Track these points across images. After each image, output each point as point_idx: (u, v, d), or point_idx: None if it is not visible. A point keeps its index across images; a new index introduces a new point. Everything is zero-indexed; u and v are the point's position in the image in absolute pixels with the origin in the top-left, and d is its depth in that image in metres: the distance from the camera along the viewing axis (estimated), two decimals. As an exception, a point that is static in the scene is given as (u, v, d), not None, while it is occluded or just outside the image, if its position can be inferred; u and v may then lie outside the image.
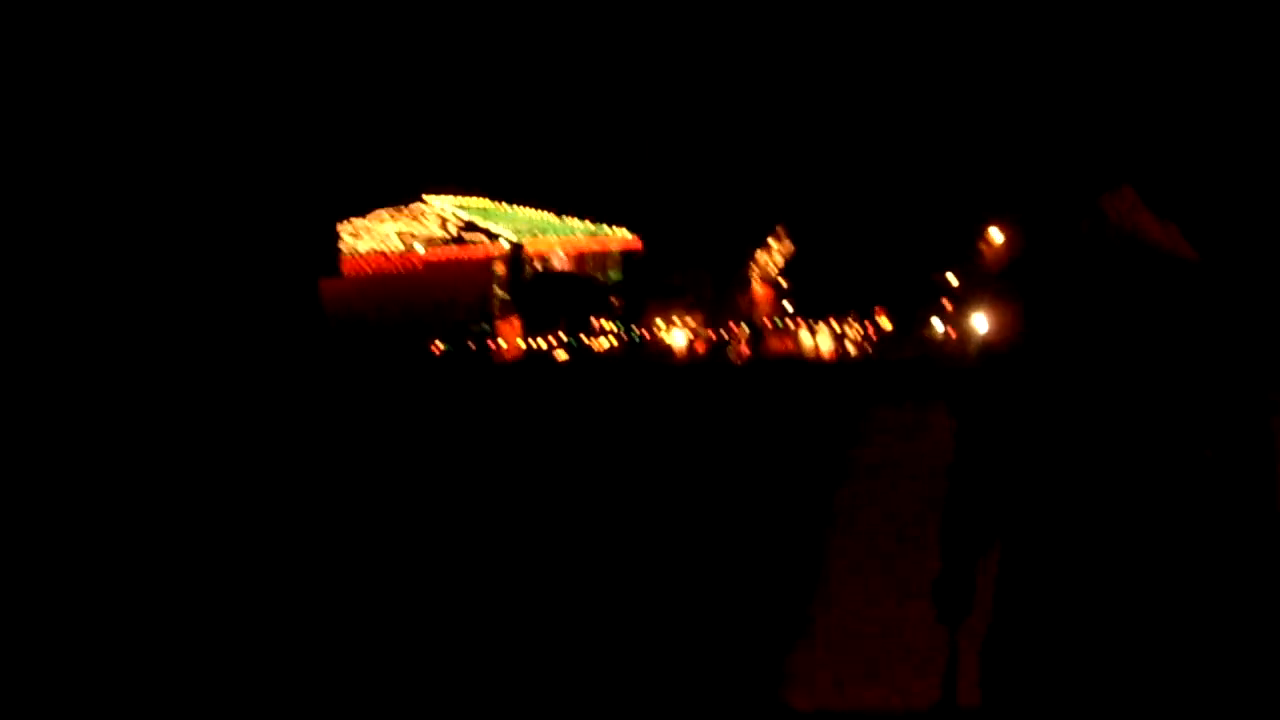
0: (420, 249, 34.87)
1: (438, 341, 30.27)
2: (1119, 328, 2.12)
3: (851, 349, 29.23)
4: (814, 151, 36.34)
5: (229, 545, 8.52)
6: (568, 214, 40.73)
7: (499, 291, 33.36)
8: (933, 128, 34.49)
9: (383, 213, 37.04)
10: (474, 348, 30.54)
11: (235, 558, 7.99)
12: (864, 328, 29.88)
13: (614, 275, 40.15)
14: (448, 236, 35.18)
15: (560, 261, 37.91)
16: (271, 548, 8.46)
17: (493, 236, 34.53)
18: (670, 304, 33.13)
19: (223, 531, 8.99)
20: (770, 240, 33.51)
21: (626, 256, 41.07)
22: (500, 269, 33.42)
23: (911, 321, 29.70)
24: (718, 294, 33.05)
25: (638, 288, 38.89)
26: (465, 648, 5.59)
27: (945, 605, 2.31)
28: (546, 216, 39.97)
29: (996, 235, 27.57)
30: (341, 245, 36.13)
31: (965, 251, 29.33)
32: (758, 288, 31.03)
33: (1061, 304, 2.15)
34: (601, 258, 39.99)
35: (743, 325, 29.71)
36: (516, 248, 33.43)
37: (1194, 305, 2.14)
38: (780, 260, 33.30)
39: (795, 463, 11.54)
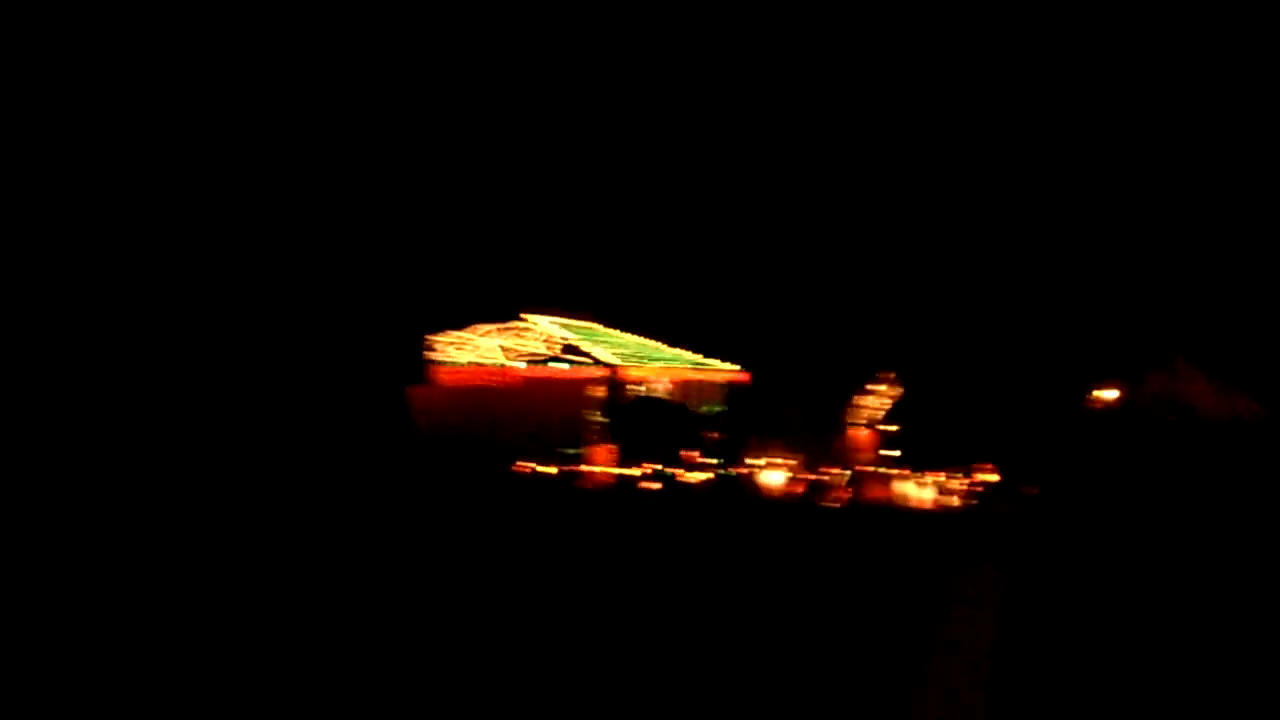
0: (521, 365, 34.21)
1: (525, 460, 29.56)
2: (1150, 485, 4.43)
3: (954, 501, 28.09)
4: (933, 303, 35.52)
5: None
6: (677, 343, 40.07)
7: (595, 415, 32.54)
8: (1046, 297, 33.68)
9: (484, 327, 36.56)
10: (560, 470, 29.78)
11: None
12: (968, 481, 28.71)
13: (716, 408, 39.22)
14: (549, 355, 34.52)
15: (663, 390, 37.10)
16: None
17: (593, 359, 33.81)
18: (771, 442, 32.15)
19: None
20: (878, 384, 32.46)
21: (731, 390, 40.18)
22: (598, 392, 32.62)
23: (1016, 479, 28.47)
24: (819, 436, 32.01)
25: (739, 423, 37.93)
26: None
27: None
28: (652, 344, 39.27)
29: (1102, 396, 26.65)
30: (440, 354, 35.64)
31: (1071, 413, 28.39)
32: (860, 432, 29.99)
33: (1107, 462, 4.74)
34: (706, 389, 39.13)
35: (842, 469, 28.71)
36: (614, 371, 32.65)
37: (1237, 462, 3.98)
38: (887, 404, 32.22)
39: (880, 612, 11.82)
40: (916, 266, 34.60)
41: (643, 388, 36.32)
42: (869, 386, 32.36)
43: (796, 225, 38.38)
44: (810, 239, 37.78)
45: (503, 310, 37.34)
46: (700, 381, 38.88)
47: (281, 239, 37.04)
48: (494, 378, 34.33)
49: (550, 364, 34.10)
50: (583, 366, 33.59)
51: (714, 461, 31.36)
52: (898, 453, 29.73)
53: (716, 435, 34.14)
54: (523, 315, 36.81)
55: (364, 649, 9.07)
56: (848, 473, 28.00)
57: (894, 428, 31.45)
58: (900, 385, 32.38)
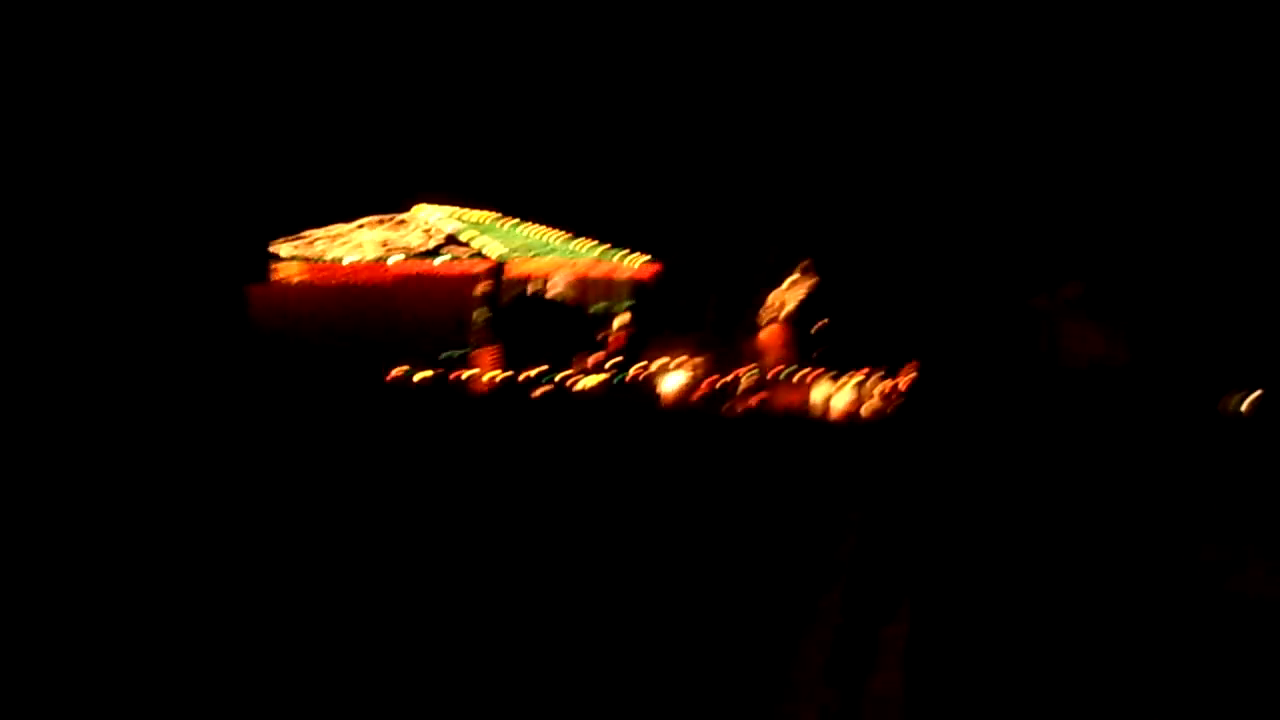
0: (393, 261, 30.68)
1: (397, 367, 26.18)
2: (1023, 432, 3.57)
3: (867, 409, 24.90)
4: (858, 184, 32.11)
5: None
6: (580, 235, 36.67)
7: (479, 315, 29.08)
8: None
9: (368, 219, 32.99)
10: (435, 376, 26.40)
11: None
12: (891, 385, 25.46)
13: (620, 306, 35.94)
14: (426, 249, 30.98)
15: (562, 286, 33.70)
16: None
17: (478, 253, 30.27)
18: (675, 341, 28.82)
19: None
20: (793, 275, 29.06)
21: (639, 285, 36.91)
22: (482, 289, 29.12)
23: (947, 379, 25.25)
24: (728, 334, 28.67)
25: (645, 321, 34.66)
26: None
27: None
28: (552, 236, 35.82)
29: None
30: (303, 251, 32.07)
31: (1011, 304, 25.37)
32: (770, 331, 26.65)
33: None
34: (610, 284, 35.81)
35: (750, 371, 25.39)
36: (499, 266, 29.16)
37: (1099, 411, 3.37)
38: (800, 295, 28.86)
39: (778, 531, 11.95)
40: (840, 139, 31.07)
41: (540, 284, 32.91)
42: (784, 277, 29.02)
43: (710, 96, 34.80)
44: (723, 110, 34.20)
45: (393, 202, 33.83)
46: (603, 277, 35.52)
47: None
48: (357, 275, 30.76)
49: (431, 258, 30.52)
50: (465, 261, 30.03)
51: (609, 364, 27.99)
52: (813, 352, 26.36)
53: (617, 335, 30.82)
54: (412, 206, 33.26)
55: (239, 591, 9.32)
56: (754, 375, 24.65)
57: (811, 323, 28.14)
58: (814, 274, 29.02)
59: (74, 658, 7.72)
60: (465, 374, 26.54)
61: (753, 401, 25.21)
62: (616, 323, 33.23)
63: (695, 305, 31.29)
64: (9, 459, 16.30)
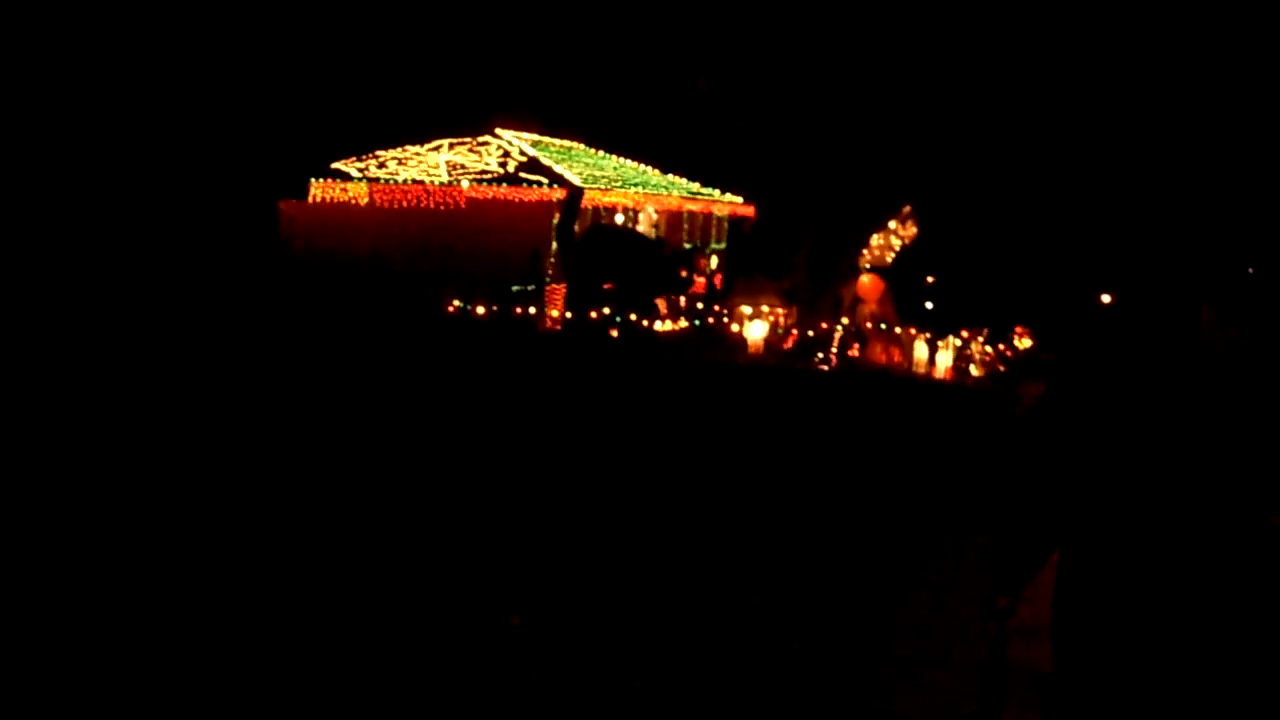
0: (465, 184, 28.53)
1: (456, 300, 24.08)
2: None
3: (975, 370, 22.51)
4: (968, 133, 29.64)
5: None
6: (674, 171, 34.40)
7: (552, 247, 26.93)
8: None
9: (443, 141, 30.83)
10: (498, 310, 24.28)
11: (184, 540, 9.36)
12: (996, 347, 23.06)
13: (713, 246, 33.68)
14: (502, 174, 28.80)
15: (647, 222, 31.45)
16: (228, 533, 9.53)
17: (554, 178, 28.04)
18: (766, 287, 26.54)
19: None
20: (892, 222, 26.66)
21: (733, 225, 34.63)
22: (556, 219, 26.92)
23: (1057, 345, 22.84)
24: (823, 281, 26.34)
25: (736, 264, 32.41)
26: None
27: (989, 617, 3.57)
28: (640, 167, 33.56)
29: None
30: (383, 173, 30.00)
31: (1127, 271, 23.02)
32: (865, 279, 24.22)
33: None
34: (702, 223, 33.55)
35: (840, 325, 23.01)
36: (576, 192, 26.93)
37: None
38: (899, 247, 26.47)
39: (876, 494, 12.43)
40: (953, 82, 28.57)
41: (628, 216, 30.69)
42: (884, 225, 26.63)
43: (811, 33, 32.33)
44: (829, 46, 31.74)
45: (474, 122, 31.66)
46: (695, 214, 33.23)
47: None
48: (425, 198, 28.64)
49: (506, 183, 28.35)
50: (544, 188, 27.83)
51: (692, 308, 25.76)
52: (918, 306, 24.01)
53: (703, 277, 28.55)
54: (496, 130, 31.08)
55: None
56: (846, 329, 22.33)
57: (910, 277, 25.77)
58: (915, 222, 26.61)
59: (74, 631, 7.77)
60: (532, 309, 24.37)
61: (848, 354, 22.90)
62: (710, 263, 31.08)
63: (789, 249, 29.00)
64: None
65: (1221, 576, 3.45)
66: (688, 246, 30.96)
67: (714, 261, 32.26)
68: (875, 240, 26.50)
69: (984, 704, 4.07)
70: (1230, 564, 3.49)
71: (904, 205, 26.72)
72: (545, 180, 27.90)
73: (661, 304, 25.81)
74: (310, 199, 29.66)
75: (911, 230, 26.53)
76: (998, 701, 4.13)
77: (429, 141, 30.83)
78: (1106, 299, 25.39)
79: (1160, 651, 3.46)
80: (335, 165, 30.37)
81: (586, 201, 27.93)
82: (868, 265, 25.89)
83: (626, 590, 9.15)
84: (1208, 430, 3.59)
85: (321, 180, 29.91)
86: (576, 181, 27.78)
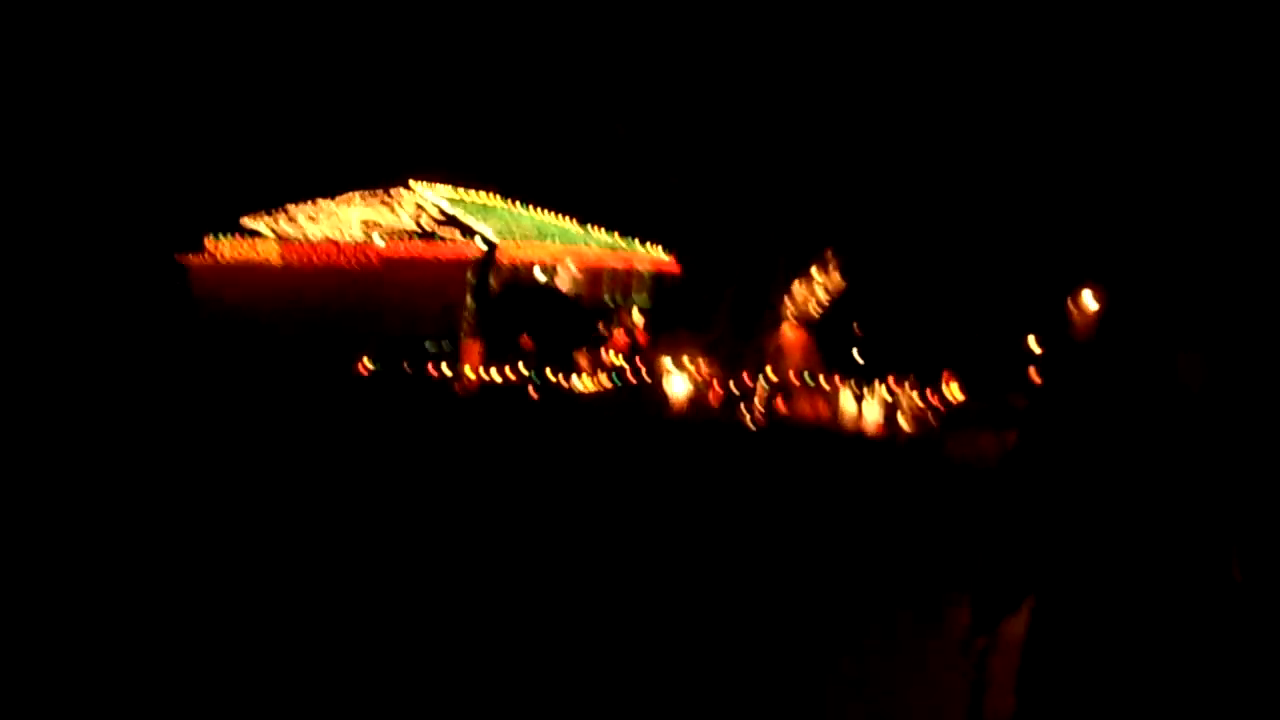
0: (380, 241, 27.77)
1: (366, 360, 23.37)
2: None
3: (905, 424, 22.01)
4: (890, 172, 29.15)
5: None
6: (592, 222, 33.74)
7: (467, 304, 26.21)
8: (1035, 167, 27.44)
9: (355, 195, 30.09)
10: (413, 371, 23.59)
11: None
12: (926, 397, 22.55)
13: (636, 300, 33.04)
14: (417, 230, 28.05)
15: (569, 279, 30.75)
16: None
17: (469, 234, 27.33)
18: (687, 342, 25.93)
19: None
20: (814, 270, 26.13)
21: (657, 281, 33.97)
22: (471, 277, 26.23)
23: (987, 393, 22.33)
24: (745, 336, 25.74)
25: (658, 320, 31.78)
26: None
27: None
28: (560, 221, 32.88)
29: (1089, 301, 20.69)
30: (294, 229, 29.21)
31: (1053, 313, 22.53)
32: (789, 331, 23.69)
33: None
34: (624, 278, 32.88)
35: (763, 378, 22.47)
36: (490, 249, 26.23)
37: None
38: (823, 296, 25.94)
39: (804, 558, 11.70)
40: (871, 124, 28.09)
41: (548, 272, 29.98)
42: (806, 273, 26.10)
43: (732, 78, 31.83)
44: (748, 90, 31.24)
45: (385, 178, 30.90)
46: (621, 267, 32.56)
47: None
48: (336, 256, 27.88)
49: (420, 240, 27.62)
50: (459, 244, 27.12)
51: (612, 365, 25.09)
52: (838, 358, 23.43)
53: (626, 332, 27.92)
54: (409, 184, 30.36)
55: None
56: (770, 382, 21.73)
57: (835, 326, 25.22)
58: (838, 270, 26.11)
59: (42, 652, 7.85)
60: (446, 369, 23.63)
61: (774, 409, 22.34)
62: (634, 318, 30.47)
63: (711, 301, 28.39)
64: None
65: (1189, 625, 3.41)
66: (616, 299, 30.35)
67: (637, 316, 31.63)
68: (798, 289, 25.95)
69: None
70: (1197, 612, 3.43)
71: (826, 251, 26.20)
72: (460, 236, 27.21)
73: (583, 359, 25.17)
74: (218, 257, 28.86)
75: (835, 278, 26.03)
76: None
77: (340, 195, 30.09)
78: (1034, 344, 24.93)
79: (1129, 697, 3.42)
80: (245, 221, 29.58)
81: (504, 257, 27.29)
82: (791, 316, 25.29)
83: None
84: (1184, 477, 3.52)
85: (228, 237, 29.09)
86: (491, 236, 27.12)
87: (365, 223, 28.75)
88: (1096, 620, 3.50)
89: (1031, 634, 3.69)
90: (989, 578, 3.71)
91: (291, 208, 29.97)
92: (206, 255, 29.05)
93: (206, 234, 29.33)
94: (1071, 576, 3.54)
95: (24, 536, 11.54)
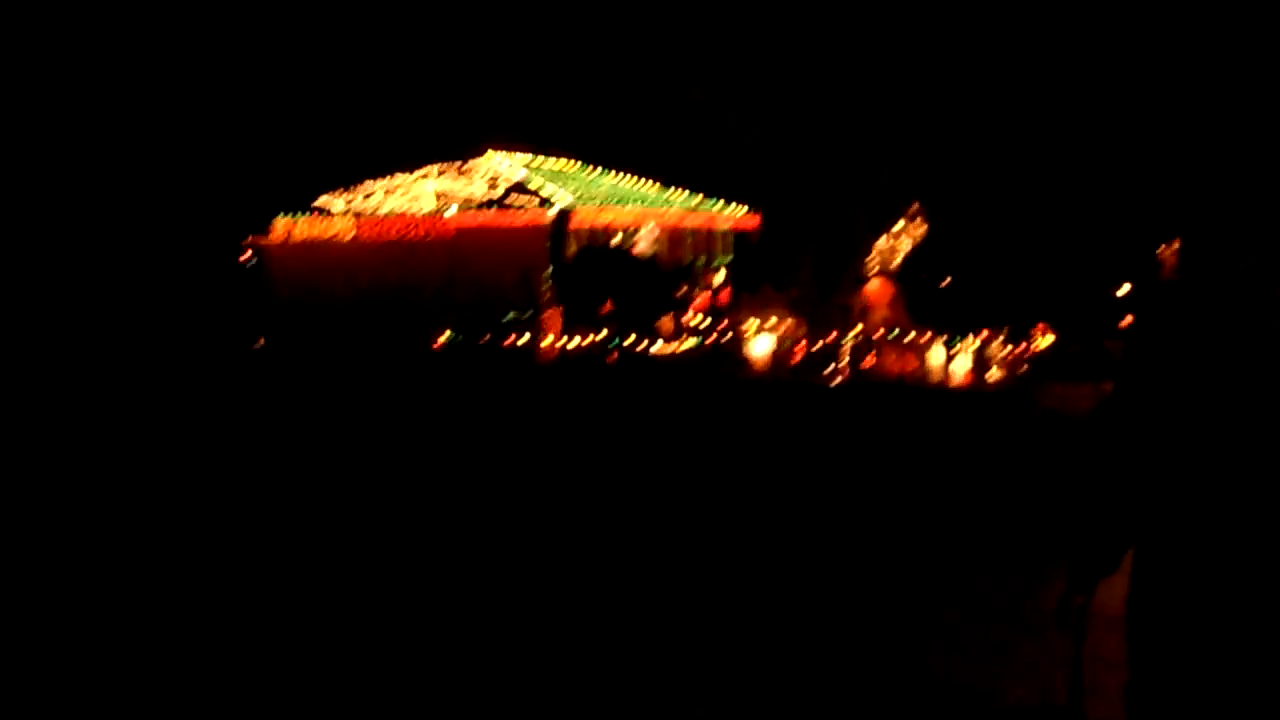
0: (453, 212, 27.39)
1: (445, 333, 23.00)
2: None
3: (997, 376, 21.35)
4: (978, 127, 28.36)
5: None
6: (674, 184, 33.18)
7: (546, 272, 25.76)
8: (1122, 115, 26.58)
9: (432, 169, 29.75)
10: (489, 342, 23.19)
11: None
12: (1016, 347, 21.86)
13: (720, 261, 32.44)
14: (491, 199, 27.66)
15: (649, 241, 30.21)
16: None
17: (545, 201, 26.88)
18: (772, 300, 25.37)
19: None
20: (899, 222, 25.43)
21: (739, 239, 33.35)
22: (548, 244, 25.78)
23: (1082, 343, 21.60)
24: (829, 291, 25.09)
25: (741, 278, 31.18)
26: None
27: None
28: (643, 185, 32.35)
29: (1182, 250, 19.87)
30: (368, 205, 28.93)
31: (1144, 259, 21.77)
32: (874, 285, 23.03)
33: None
34: (706, 238, 32.30)
35: (849, 335, 21.83)
36: (563, 215, 25.77)
37: None
38: (908, 248, 25.25)
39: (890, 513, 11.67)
40: (957, 71, 27.28)
41: (628, 236, 29.49)
42: (891, 227, 25.41)
43: (805, 32, 31.10)
44: (823, 42, 30.50)
45: (461, 150, 30.52)
46: (700, 228, 32.01)
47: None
48: (410, 229, 27.53)
49: (494, 209, 27.21)
50: (533, 211, 26.68)
51: (695, 327, 24.56)
52: (925, 312, 22.79)
53: (707, 295, 27.36)
54: (484, 152, 29.95)
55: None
56: (857, 339, 21.14)
57: (921, 278, 24.54)
58: (924, 220, 25.38)
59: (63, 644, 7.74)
60: (526, 339, 23.21)
61: (859, 365, 21.75)
62: (716, 279, 29.93)
63: (793, 258, 27.75)
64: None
65: None
66: (700, 261, 29.81)
67: (720, 276, 31.07)
68: (882, 242, 25.28)
69: (1071, 696, 3.88)
70: None
71: (911, 203, 25.48)
72: (536, 202, 26.77)
73: (667, 323, 24.65)
74: (292, 238, 28.65)
75: (920, 229, 25.34)
76: (1079, 692, 3.90)
77: (416, 169, 29.76)
78: (1127, 288, 24.19)
79: (1239, 653, 3.24)
80: (320, 200, 29.35)
81: (581, 222, 26.83)
82: (876, 270, 24.62)
83: (630, 618, 8.80)
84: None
85: (300, 216, 28.87)
86: (567, 201, 26.64)
87: (440, 194, 28.40)
88: (1201, 577, 3.35)
89: (1135, 592, 3.58)
90: (1086, 533, 3.60)
91: (368, 184, 29.69)
92: (281, 235, 28.85)
93: (279, 214, 29.12)
94: (1173, 531, 3.41)
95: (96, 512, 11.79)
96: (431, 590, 9.50)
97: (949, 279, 25.82)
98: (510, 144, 30.81)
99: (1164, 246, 21.10)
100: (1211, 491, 3.32)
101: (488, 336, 23.07)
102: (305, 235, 28.67)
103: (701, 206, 32.18)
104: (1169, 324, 3.55)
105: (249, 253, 29.41)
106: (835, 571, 10.03)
